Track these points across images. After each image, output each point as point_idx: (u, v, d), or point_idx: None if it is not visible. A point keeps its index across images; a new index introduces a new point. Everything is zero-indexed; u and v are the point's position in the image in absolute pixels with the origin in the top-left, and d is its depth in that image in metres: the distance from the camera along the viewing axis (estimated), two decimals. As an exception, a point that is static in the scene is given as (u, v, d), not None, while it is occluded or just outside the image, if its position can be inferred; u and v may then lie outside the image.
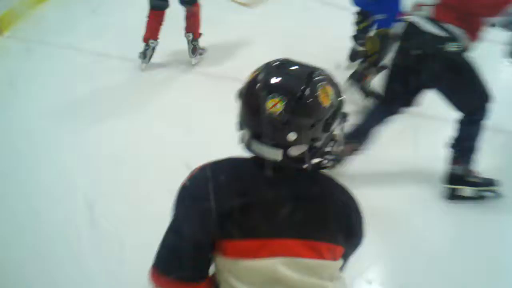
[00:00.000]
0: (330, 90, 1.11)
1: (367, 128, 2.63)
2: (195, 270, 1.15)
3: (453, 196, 2.65)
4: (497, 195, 2.68)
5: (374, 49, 3.38)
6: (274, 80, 1.09)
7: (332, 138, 1.17)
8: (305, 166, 1.15)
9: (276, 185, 1.14)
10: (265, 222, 1.11)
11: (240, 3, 4.91)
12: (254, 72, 1.15)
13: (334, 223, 1.17)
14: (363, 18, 3.67)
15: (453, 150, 2.59)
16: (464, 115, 2.51)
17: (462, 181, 2.59)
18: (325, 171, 1.23)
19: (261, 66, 1.16)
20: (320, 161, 1.19)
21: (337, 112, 1.14)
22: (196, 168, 1.20)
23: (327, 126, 1.12)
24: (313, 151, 1.14)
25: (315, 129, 1.10)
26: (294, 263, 1.11)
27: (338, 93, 1.14)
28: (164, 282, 1.15)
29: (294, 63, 1.16)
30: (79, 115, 3.45)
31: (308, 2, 5.09)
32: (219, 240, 1.12)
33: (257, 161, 1.14)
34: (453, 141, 2.60)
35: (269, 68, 1.13)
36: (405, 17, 2.39)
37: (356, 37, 3.82)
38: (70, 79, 3.89)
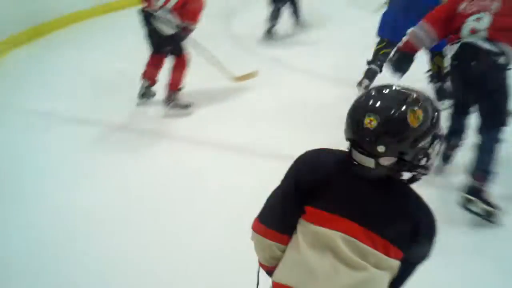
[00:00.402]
0: (420, 113, 1.32)
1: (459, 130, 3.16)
2: (283, 223, 1.48)
3: (466, 207, 2.87)
4: (498, 222, 2.89)
5: (437, 69, 4.16)
6: (373, 102, 1.35)
7: (424, 154, 1.37)
8: (393, 174, 1.41)
9: (363, 182, 1.40)
10: (342, 203, 1.40)
11: (231, 77, 4.77)
12: (362, 94, 1.42)
13: (397, 228, 1.38)
14: (386, 45, 4.27)
15: (477, 167, 2.88)
16: (490, 128, 2.89)
17: (479, 196, 2.84)
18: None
19: (368, 90, 1.42)
20: (412, 176, 1.42)
21: (428, 132, 1.34)
22: (311, 150, 1.53)
23: (414, 143, 1.33)
24: (402, 163, 1.36)
25: (402, 145, 1.32)
26: (350, 242, 1.36)
27: (431, 115, 1.35)
28: (260, 229, 1.51)
29: (394, 88, 1.39)
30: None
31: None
32: (305, 205, 1.43)
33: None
34: (477, 157, 2.91)
35: (372, 91, 1.39)
36: (460, 39, 2.90)
37: (374, 60, 4.36)
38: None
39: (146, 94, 4.39)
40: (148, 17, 4.03)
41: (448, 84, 3.73)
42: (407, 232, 1.37)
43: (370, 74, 4.34)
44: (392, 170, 1.38)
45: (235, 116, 4.35)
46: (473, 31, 2.83)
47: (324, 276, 1.35)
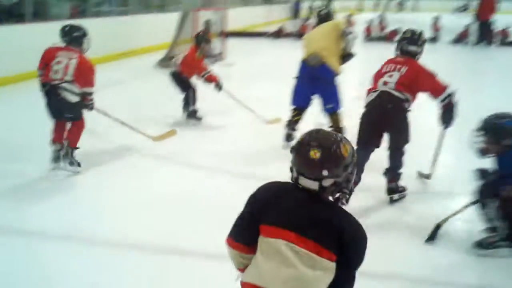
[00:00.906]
0: (348, 146, 1.85)
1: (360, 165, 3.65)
2: (244, 237, 1.93)
3: (390, 199, 4.35)
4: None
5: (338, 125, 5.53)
6: (314, 140, 1.83)
7: (348, 178, 1.87)
8: (329, 196, 1.87)
9: (301, 200, 1.85)
10: (284, 217, 1.83)
11: (149, 137, 5.73)
12: (302, 135, 1.89)
13: (326, 234, 1.78)
14: (298, 113, 5.59)
15: (389, 174, 4.34)
16: (396, 149, 4.25)
17: (397, 191, 4.35)
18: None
19: (306, 132, 1.90)
20: (339, 196, 1.89)
21: (352, 161, 1.86)
22: (266, 183, 1.99)
23: (345, 168, 1.83)
24: (337, 184, 1.84)
25: (339, 169, 1.81)
26: (291, 247, 1.78)
27: (352, 149, 1.87)
28: (231, 243, 1.96)
29: (324, 130, 1.93)
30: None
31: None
32: (260, 224, 1.86)
33: (296, 187, 1.87)
34: (389, 168, 4.33)
35: (312, 133, 1.88)
36: (376, 89, 4.24)
37: (289, 125, 5.63)
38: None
39: (58, 157, 4.80)
40: (49, 89, 4.62)
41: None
42: (335, 237, 1.78)
43: (288, 137, 5.61)
44: (329, 190, 1.84)
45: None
46: (385, 83, 4.19)
47: (268, 274, 1.80)
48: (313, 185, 1.81)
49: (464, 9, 29.20)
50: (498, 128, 3.40)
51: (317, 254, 1.75)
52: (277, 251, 1.80)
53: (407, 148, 4.23)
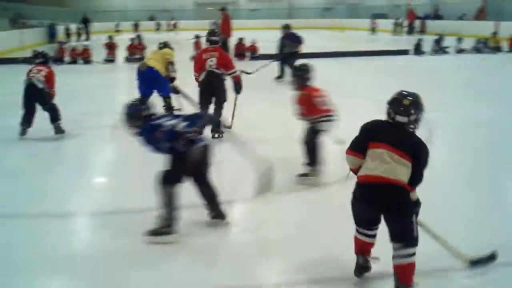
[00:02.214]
0: (420, 101, 3.30)
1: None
2: (358, 149, 3.28)
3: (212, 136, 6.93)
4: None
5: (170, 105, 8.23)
6: (406, 94, 3.31)
7: (419, 118, 3.27)
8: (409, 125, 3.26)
9: (394, 128, 3.22)
10: (384, 137, 3.17)
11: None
12: (397, 93, 3.32)
13: (408, 148, 3.13)
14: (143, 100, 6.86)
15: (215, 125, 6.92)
16: (219, 103, 7.20)
17: (219, 131, 6.92)
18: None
19: (399, 92, 3.32)
20: (414, 127, 3.29)
21: (422, 109, 3.29)
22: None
23: (420, 112, 3.27)
24: (415, 120, 3.25)
25: (417, 111, 3.25)
26: (388, 153, 3.10)
27: (422, 103, 3.30)
28: (350, 152, 3.32)
29: (406, 92, 3.34)
30: None
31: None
32: (370, 142, 3.22)
33: (389, 122, 3.27)
34: (215, 114, 6.99)
35: (403, 91, 3.33)
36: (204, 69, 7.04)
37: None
38: None
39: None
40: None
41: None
42: (411, 148, 3.13)
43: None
44: (410, 123, 3.22)
45: None
46: (210, 66, 6.94)
47: (374, 167, 3.13)
48: (402, 119, 3.20)
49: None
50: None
51: (401, 157, 3.10)
52: (380, 156, 3.13)
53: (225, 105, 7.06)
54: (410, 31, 30.68)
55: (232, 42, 17.02)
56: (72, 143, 7.03)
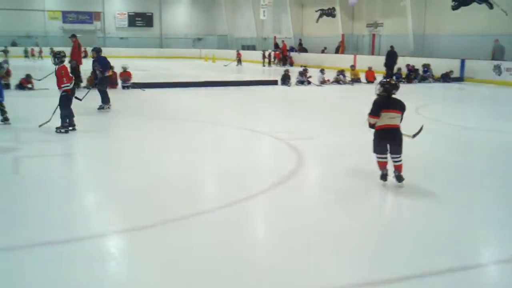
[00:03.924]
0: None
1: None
2: (376, 114, 6.20)
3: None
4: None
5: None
6: (392, 83, 6.51)
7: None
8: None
9: (394, 100, 6.28)
10: (391, 106, 6.20)
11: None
12: (386, 82, 6.44)
13: (401, 108, 6.24)
14: None
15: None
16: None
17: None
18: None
19: (385, 81, 6.54)
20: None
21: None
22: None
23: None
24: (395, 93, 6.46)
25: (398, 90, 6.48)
26: (394, 114, 6.19)
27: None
28: (372, 116, 6.24)
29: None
30: None
31: None
32: (382, 110, 6.18)
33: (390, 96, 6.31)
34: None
35: (389, 81, 6.55)
36: None
37: None
38: None
39: None
40: None
41: None
42: (402, 108, 6.24)
43: None
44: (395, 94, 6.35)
45: None
46: None
47: (387, 121, 6.16)
48: (395, 93, 6.26)
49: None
50: None
51: (398, 114, 6.17)
52: (390, 116, 6.13)
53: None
54: (284, 62, 32.26)
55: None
56: None
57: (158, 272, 3.94)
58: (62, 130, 9.11)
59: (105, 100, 12.20)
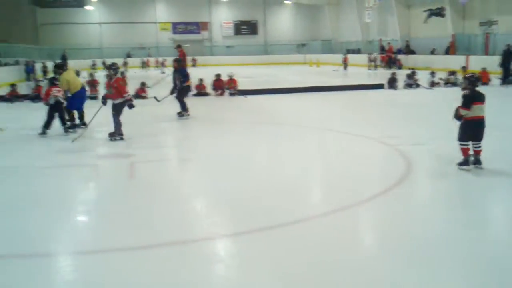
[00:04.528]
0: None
1: None
2: (468, 106, 6.79)
3: None
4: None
5: None
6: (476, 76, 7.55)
7: None
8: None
9: (479, 92, 6.94)
10: (480, 98, 6.87)
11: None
12: (474, 75, 7.36)
13: (485, 99, 6.92)
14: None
15: None
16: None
17: None
18: None
19: (472, 74, 7.44)
20: None
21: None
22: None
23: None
24: None
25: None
26: (481, 106, 6.85)
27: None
28: (463, 108, 6.80)
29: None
30: None
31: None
32: (473, 102, 6.86)
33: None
34: None
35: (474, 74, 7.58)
36: None
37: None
38: None
39: None
40: None
41: None
42: (485, 100, 7.02)
43: None
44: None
45: None
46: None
47: (479, 112, 6.82)
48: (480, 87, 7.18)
49: None
50: None
51: (484, 104, 6.90)
52: (480, 108, 6.78)
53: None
54: (390, 65, 31.47)
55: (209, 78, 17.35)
56: (54, 180, 6.97)
57: (266, 275, 3.97)
58: (117, 138, 9.51)
59: (184, 108, 12.62)
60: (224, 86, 17.55)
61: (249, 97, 16.86)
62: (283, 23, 48.90)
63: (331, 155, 8.12)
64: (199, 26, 47.26)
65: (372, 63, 32.66)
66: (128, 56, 39.95)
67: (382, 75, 24.40)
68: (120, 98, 9.50)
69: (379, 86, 19.13)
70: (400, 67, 30.73)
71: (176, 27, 46.63)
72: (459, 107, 6.85)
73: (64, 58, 30.33)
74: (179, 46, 17.84)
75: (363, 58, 34.54)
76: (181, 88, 12.65)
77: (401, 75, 19.94)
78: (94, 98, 16.71)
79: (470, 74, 7.13)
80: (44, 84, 18.08)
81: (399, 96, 17.15)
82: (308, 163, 7.85)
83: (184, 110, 12.61)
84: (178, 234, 4.91)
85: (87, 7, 42.42)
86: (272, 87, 19.57)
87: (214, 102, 16.31)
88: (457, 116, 6.90)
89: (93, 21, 44.63)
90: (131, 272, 4.10)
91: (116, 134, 9.54)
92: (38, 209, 5.70)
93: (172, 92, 13.10)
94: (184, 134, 10.99)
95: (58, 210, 5.69)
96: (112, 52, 40.82)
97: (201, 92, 17.29)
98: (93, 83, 17.32)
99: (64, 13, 41.94)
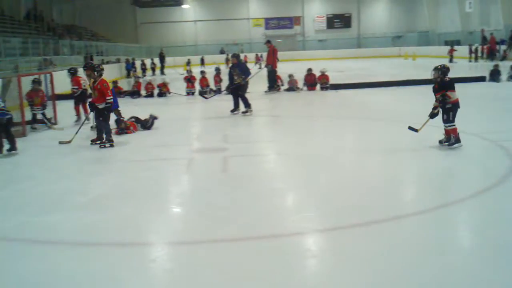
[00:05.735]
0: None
1: None
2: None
3: None
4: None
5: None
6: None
7: None
8: None
9: None
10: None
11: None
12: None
13: None
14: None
15: None
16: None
17: None
18: None
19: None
20: None
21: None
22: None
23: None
24: None
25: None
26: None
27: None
28: (454, 91, 7.65)
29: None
30: None
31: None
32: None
33: None
34: None
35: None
36: None
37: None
38: None
39: None
40: None
41: None
42: None
43: None
44: None
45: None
46: None
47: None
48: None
49: None
50: None
51: None
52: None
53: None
54: (491, 57, 29.70)
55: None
56: (150, 174, 7.25)
57: (356, 271, 3.90)
58: (107, 145, 8.81)
59: (247, 104, 12.28)
60: (315, 80, 17.41)
61: (341, 91, 16.62)
62: (378, 15, 47.73)
63: (426, 151, 7.79)
64: (292, 21, 47.28)
65: (473, 55, 30.96)
66: (222, 52, 40.78)
67: (484, 67, 23.08)
68: (103, 103, 8.80)
69: (481, 79, 18.09)
70: (503, 58, 28.90)
71: (269, 23, 46.97)
72: (450, 90, 7.61)
73: (161, 56, 31.61)
74: (268, 42, 17.97)
75: (463, 50, 32.84)
76: (242, 84, 12.22)
77: (505, 67, 18.73)
78: (192, 93, 17.30)
79: (441, 65, 7.98)
80: (143, 80, 18.94)
81: (501, 89, 16.11)
82: (399, 158, 7.63)
83: (247, 107, 12.27)
84: (269, 228, 4.93)
85: (184, 6, 43.87)
86: (364, 81, 19.15)
87: (305, 97, 16.23)
88: (451, 101, 7.60)
89: (189, 19, 46.10)
90: (223, 265, 4.17)
91: (106, 141, 8.86)
92: (133, 200, 5.95)
93: (227, 88, 12.98)
94: (273, 129, 11.03)
95: (153, 201, 5.91)
96: (206, 48, 42.01)
97: (291, 87, 17.27)
98: (190, 79, 17.81)
99: (162, 12, 43.72)
